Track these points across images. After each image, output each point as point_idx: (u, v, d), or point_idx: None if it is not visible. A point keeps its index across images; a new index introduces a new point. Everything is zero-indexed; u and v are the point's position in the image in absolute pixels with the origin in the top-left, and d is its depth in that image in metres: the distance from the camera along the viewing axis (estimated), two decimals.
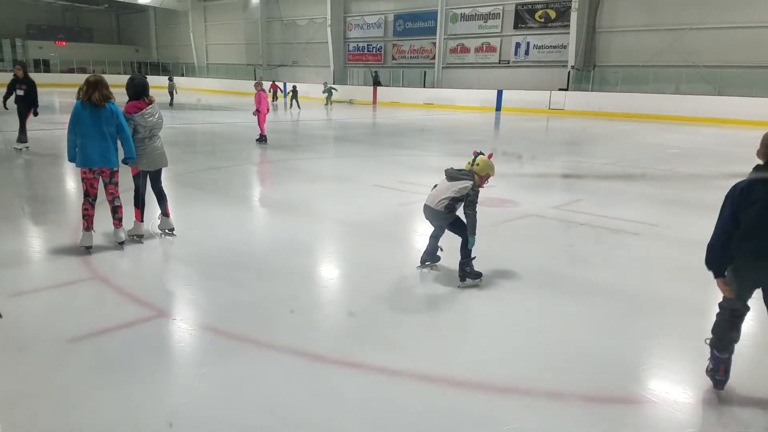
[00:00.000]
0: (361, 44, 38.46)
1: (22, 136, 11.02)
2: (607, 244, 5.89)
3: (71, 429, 2.58)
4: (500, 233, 6.09)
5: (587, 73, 27.59)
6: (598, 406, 2.93)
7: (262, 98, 12.79)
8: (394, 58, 36.75)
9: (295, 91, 28.74)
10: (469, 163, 4.50)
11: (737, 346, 2.97)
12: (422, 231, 5.99)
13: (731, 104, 21.91)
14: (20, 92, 10.85)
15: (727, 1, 23.32)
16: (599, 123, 22.25)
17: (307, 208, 7.11)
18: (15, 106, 10.92)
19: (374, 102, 33.61)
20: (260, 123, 12.81)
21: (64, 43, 48.89)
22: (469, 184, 4.39)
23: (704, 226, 6.47)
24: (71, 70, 44.77)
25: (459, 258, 4.45)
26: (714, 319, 3.02)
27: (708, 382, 3.03)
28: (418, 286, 4.58)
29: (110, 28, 55.70)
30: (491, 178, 4.59)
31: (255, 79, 38.67)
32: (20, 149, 11.04)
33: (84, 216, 4.91)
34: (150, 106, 5.15)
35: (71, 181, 8.40)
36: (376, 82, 35.13)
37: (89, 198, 4.91)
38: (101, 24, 54.48)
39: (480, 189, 4.49)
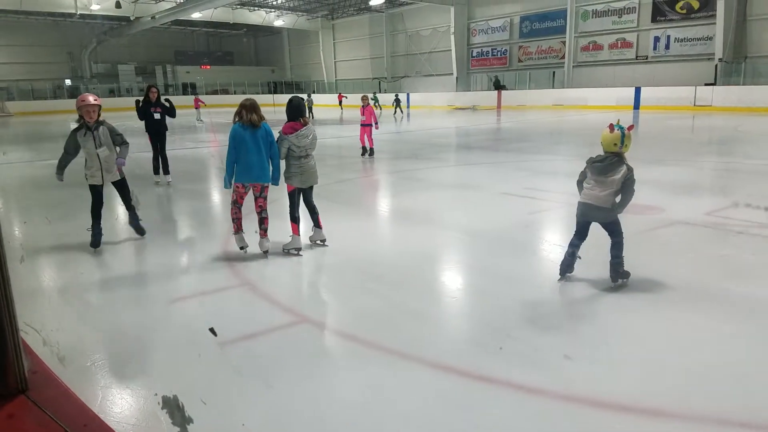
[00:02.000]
0: (485, 49, 38.06)
1: (165, 166, 9.82)
2: None
3: (224, 428, 2.78)
4: (645, 242, 5.63)
5: (738, 65, 24.89)
6: None
7: (369, 112, 12.89)
8: (520, 60, 35.92)
9: (398, 99, 29.28)
10: (615, 144, 4.21)
11: None
12: (553, 240, 5.77)
13: None
14: (157, 115, 9.49)
15: None
16: (753, 120, 19.96)
17: (434, 217, 7.13)
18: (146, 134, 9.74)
19: (498, 107, 33.04)
20: (369, 136, 12.96)
21: (208, 66, 53.92)
22: (624, 168, 4.21)
23: None
24: (215, 92, 49.27)
25: (609, 259, 4.36)
26: None
27: None
28: (554, 299, 4.38)
29: (248, 51, 60.45)
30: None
31: (380, 91, 39.86)
32: (169, 182, 9.89)
33: (234, 220, 5.40)
34: (305, 127, 5.40)
35: (215, 196, 9.19)
36: (497, 87, 34.55)
37: (237, 205, 5.38)
38: (240, 47, 59.33)
39: None
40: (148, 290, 4.75)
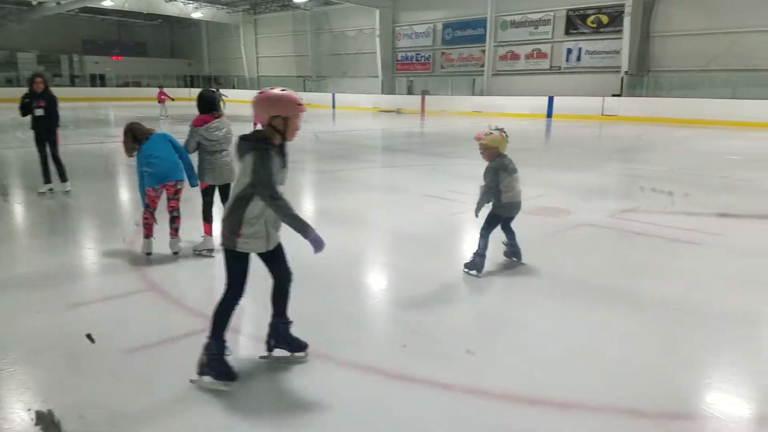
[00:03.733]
0: (409, 53, 38.56)
1: (61, 172, 8.19)
2: (665, 255, 5.65)
3: None
4: (553, 244, 5.93)
5: (641, 78, 26.78)
6: (655, 422, 2.81)
7: None
8: (442, 67, 36.68)
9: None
10: (506, 145, 4.87)
11: None
12: (475, 240, 5.92)
13: None
14: (39, 111, 7.75)
15: None
16: (654, 129, 21.51)
17: (358, 218, 7.13)
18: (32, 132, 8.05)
19: (422, 111, 33.61)
20: None
21: (119, 57, 51.03)
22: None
23: None
24: (126, 84, 46.75)
25: (514, 245, 5.10)
26: None
27: None
28: (473, 298, 4.56)
29: (164, 43, 57.82)
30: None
31: (305, 90, 39.20)
32: (44, 192, 8.11)
33: (144, 224, 5.14)
34: (217, 120, 5.22)
35: (125, 194, 8.71)
36: (410, 92, 35.46)
37: (149, 209, 5.11)
38: (155, 38, 56.63)
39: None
40: (45, 294, 4.39)
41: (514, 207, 4.89)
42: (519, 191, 4.86)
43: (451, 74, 35.90)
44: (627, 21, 26.35)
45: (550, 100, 28.24)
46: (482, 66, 33.89)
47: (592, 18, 29.04)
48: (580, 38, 29.71)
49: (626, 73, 26.77)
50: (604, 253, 5.74)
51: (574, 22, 29.84)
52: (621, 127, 22.93)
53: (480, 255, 4.80)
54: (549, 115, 28.08)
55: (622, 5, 26.48)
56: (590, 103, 26.67)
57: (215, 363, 3.06)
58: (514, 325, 3.97)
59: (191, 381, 3.06)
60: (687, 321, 3.99)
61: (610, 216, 7.07)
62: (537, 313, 4.14)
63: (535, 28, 31.50)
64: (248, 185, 2.97)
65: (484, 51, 33.58)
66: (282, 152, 3.11)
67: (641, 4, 26.32)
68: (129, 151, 5.10)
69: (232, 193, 3.07)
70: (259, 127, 3.07)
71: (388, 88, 38.44)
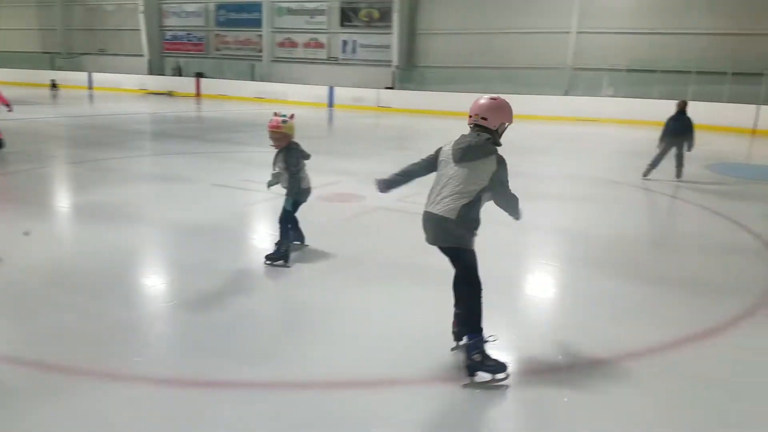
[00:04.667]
0: (179, 33, 36.01)
1: None
2: None
3: None
4: (350, 227, 6.10)
5: (409, 72, 29.07)
6: (452, 386, 2.99)
7: None
8: (217, 49, 35.07)
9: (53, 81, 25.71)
10: None
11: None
12: (272, 231, 5.73)
13: (530, 102, 24.77)
14: None
15: (527, 9, 26.16)
16: (422, 120, 23.54)
17: (136, 213, 6.34)
18: None
19: (198, 94, 31.77)
20: None
21: None
22: None
23: (545, 210, 7.09)
24: None
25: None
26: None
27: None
28: (271, 289, 4.43)
29: None
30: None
31: (54, 68, 34.05)
32: None
33: None
34: None
35: None
36: (179, 74, 33.68)
37: None
38: None
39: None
40: None
41: (309, 192, 4.92)
42: (309, 177, 4.90)
43: (227, 57, 34.55)
44: (396, 17, 28.27)
45: (331, 90, 29.00)
46: (260, 51, 33.29)
47: (364, 12, 30.47)
48: (354, 31, 30.98)
49: (397, 67, 28.79)
50: (397, 233, 6.03)
51: (348, 15, 30.98)
52: (395, 118, 24.62)
53: (284, 245, 4.71)
54: (330, 104, 28.83)
55: (391, 1, 28.29)
56: (367, 95, 28.09)
57: (488, 360, 3.03)
58: (321, 312, 3.94)
59: (465, 386, 2.97)
60: None
61: (398, 200, 7.43)
62: (342, 297, 4.18)
63: (311, 17, 31.92)
64: (484, 188, 3.22)
65: (261, 36, 32.99)
66: None
67: (407, 2, 28.47)
68: None
69: (454, 194, 3.28)
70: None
71: (157, 69, 35.47)
